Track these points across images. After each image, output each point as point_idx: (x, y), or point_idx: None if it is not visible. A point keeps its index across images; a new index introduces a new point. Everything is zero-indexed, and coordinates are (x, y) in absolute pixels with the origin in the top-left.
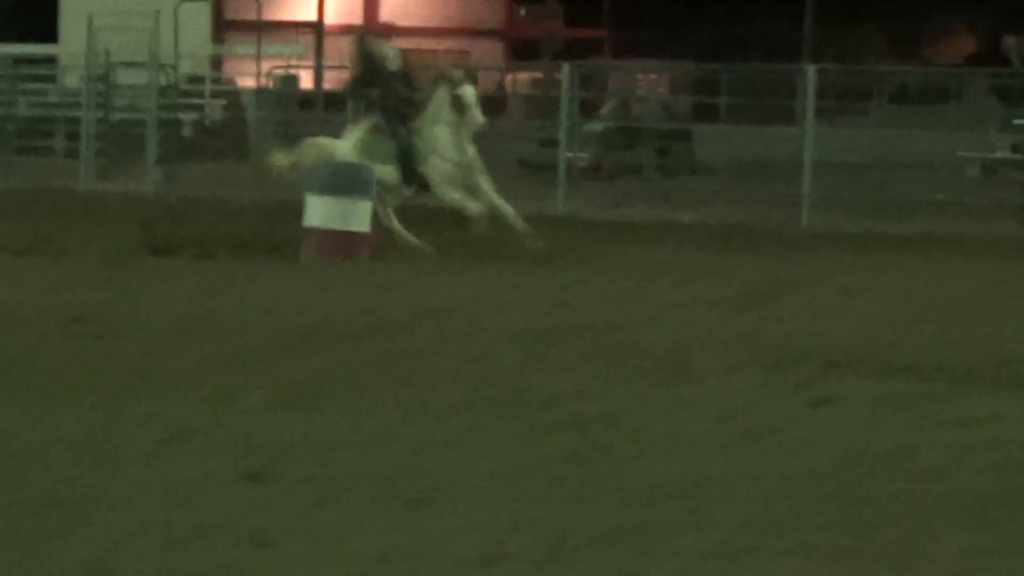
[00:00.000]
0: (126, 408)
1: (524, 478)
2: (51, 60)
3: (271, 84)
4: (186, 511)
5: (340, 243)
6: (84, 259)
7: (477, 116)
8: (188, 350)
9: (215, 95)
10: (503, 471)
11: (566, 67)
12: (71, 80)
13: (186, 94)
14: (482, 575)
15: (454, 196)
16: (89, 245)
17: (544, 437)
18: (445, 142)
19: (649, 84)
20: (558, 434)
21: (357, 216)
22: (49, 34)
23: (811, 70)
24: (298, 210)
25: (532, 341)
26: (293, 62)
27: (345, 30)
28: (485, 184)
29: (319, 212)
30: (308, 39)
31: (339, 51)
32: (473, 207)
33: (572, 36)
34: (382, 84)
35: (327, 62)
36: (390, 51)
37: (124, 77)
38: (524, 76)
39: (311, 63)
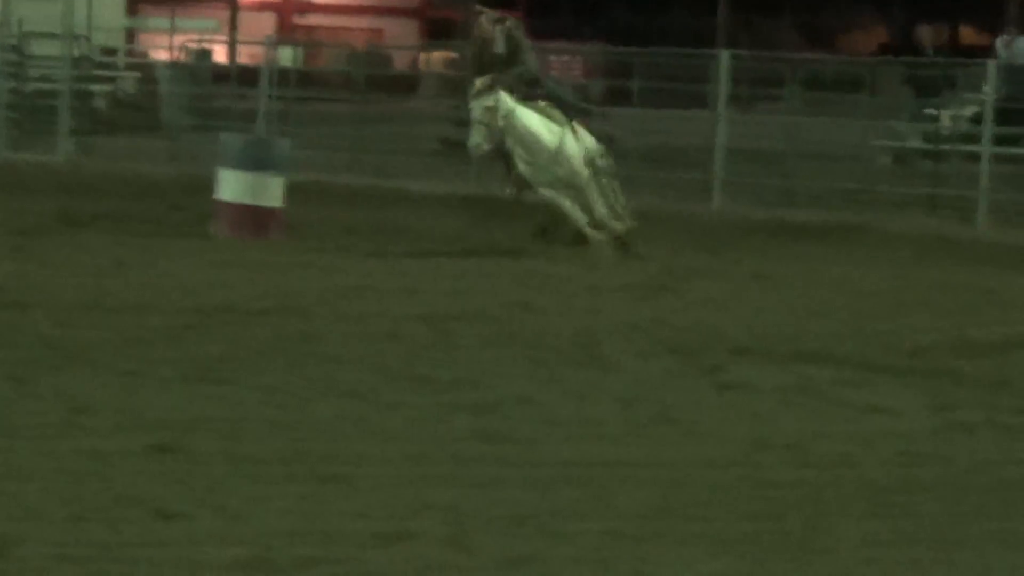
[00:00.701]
0: (34, 380)
1: (430, 459)
2: None
3: (184, 58)
4: (93, 483)
5: (251, 219)
6: None
7: None
8: (97, 323)
9: (129, 68)
10: (409, 451)
11: None
12: None
13: (100, 66)
14: (386, 553)
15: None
16: (0, 215)
17: (450, 418)
18: None
19: (562, 67)
20: (464, 416)
21: (269, 191)
22: None
23: (724, 56)
24: (210, 186)
25: (441, 323)
26: (207, 37)
27: (260, 6)
28: None
29: (230, 186)
30: (224, 15)
31: (255, 27)
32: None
33: None
34: (523, 62)
35: (240, 37)
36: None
37: (38, 48)
38: (438, 56)
39: (225, 39)
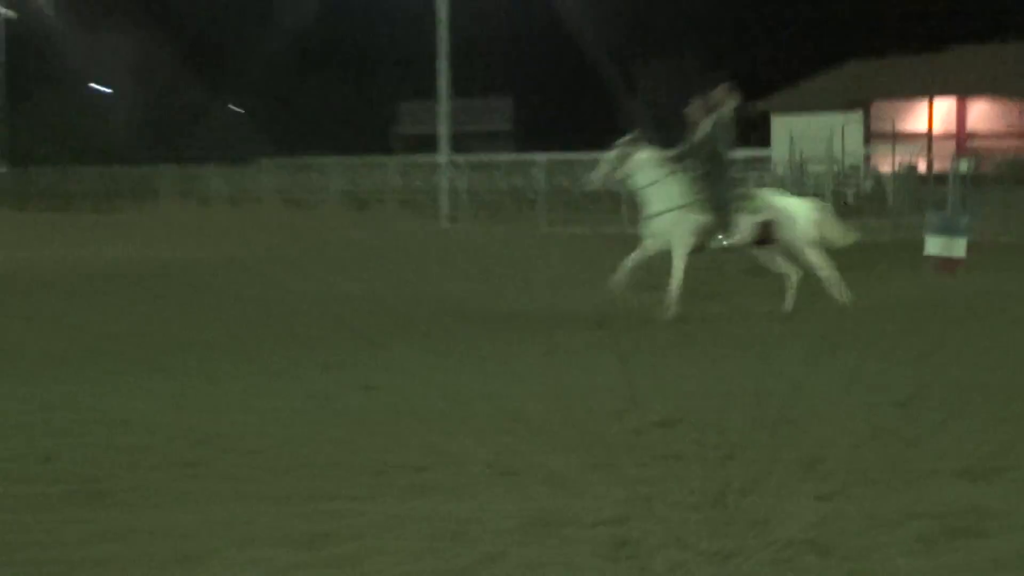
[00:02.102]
0: None
1: None
2: (765, 159)
3: (900, 170)
4: None
5: (946, 265)
6: None
7: None
8: None
9: (866, 177)
10: None
11: None
12: (777, 171)
13: (848, 177)
14: None
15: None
16: None
17: None
18: None
19: None
20: None
21: (957, 247)
22: (764, 141)
23: None
24: (920, 246)
25: None
26: (914, 156)
27: (944, 136)
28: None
29: (933, 245)
30: (923, 141)
31: (943, 148)
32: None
33: None
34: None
35: (934, 155)
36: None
37: (812, 168)
38: None
39: (924, 156)
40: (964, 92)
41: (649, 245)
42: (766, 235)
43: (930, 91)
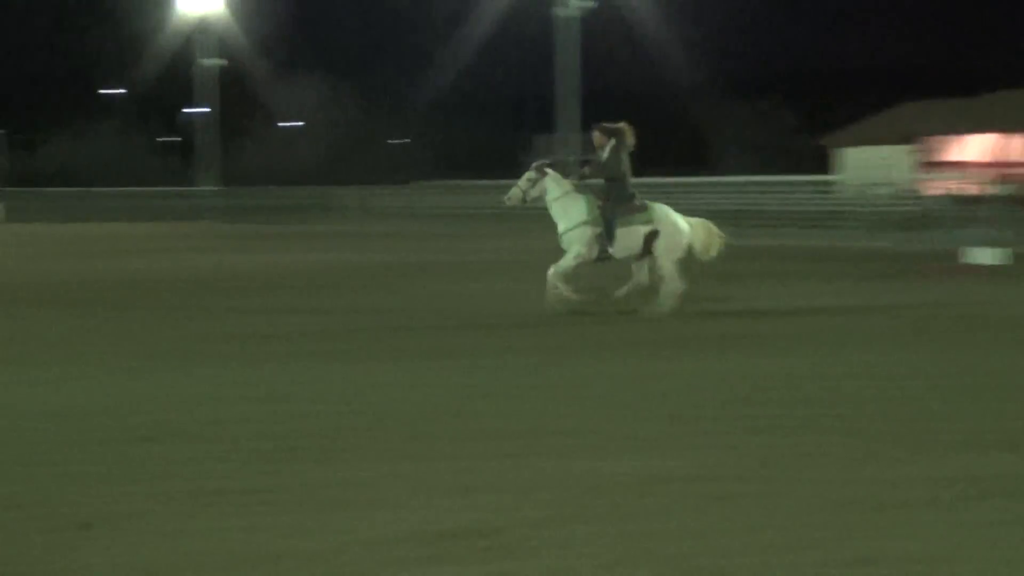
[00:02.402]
0: None
1: None
2: (831, 183)
3: (950, 193)
4: None
5: (976, 269)
6: None
7: None
8: None
9: (916, 199)
10: None
11: None
12: (844, 194)
13: (901, 199)
14: None
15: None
16: None
17: None
18: None
19: None
20: None
21: (990, 256)
22: (824, 170)
23: None
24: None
25: None
26: (970, 183)
27: (982, 165)
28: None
29: (972, 256)
30: (966, 169)
31: (983, 179)
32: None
33: None
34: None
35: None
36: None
37: (872, 191)
38: None
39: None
40: (1003, 128)
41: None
42: (649, 245)
43: (971, 128)
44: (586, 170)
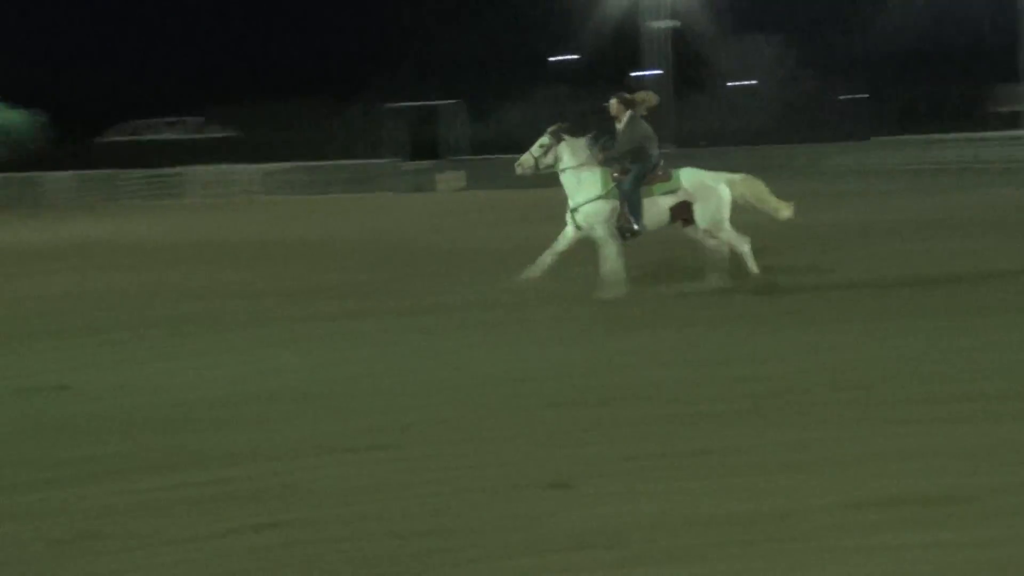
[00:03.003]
0: None
1: None
2: None
3: None
4: None
5: None
6: None
7: None
8: None
9: None
10: None
11: None
12: None
13: None
14: None
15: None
16: None
17: None
18: None
19: None
20: None
21: None
22: None
23: None
24: None
25: None
26: None
27: None
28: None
29: None
30: None
31: None
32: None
33: None
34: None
35: None
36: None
37: None
38: None
39: None
40: None
41: (570, 232)
42: (684, 215)
43: None
44: (602, 155)
